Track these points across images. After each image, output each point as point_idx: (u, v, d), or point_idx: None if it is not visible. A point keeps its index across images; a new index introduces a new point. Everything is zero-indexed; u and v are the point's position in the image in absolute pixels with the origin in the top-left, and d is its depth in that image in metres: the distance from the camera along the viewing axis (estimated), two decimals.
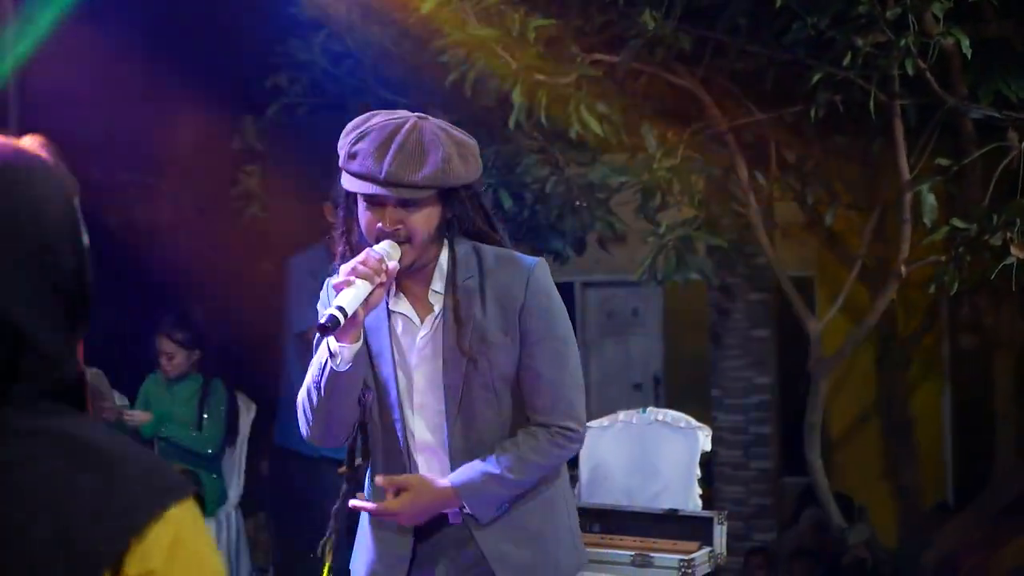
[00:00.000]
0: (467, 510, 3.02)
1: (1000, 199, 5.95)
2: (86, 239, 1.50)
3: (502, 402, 3.04)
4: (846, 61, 5.83)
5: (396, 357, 3.02)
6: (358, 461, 3.21)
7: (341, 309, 2.73)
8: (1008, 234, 5.68)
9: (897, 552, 7.97)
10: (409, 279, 3.02)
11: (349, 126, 2.96)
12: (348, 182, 2.92)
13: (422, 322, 3.02)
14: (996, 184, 6.08)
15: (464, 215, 3.01)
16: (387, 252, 2.86)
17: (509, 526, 3.07)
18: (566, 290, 11.03)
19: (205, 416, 6.37)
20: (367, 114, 3.00)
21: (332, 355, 2.85)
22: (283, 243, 6.49)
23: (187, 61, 7.44)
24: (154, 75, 8.11)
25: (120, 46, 7.65)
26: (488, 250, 3.06)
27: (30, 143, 1.54)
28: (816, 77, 5.98)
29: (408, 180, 2.83)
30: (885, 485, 8.76)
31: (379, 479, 3.01)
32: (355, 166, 2.88)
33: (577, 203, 6.78)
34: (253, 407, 6.51)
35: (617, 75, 6.57)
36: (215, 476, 6.45)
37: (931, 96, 6.09)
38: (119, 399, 6.77)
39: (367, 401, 3.05)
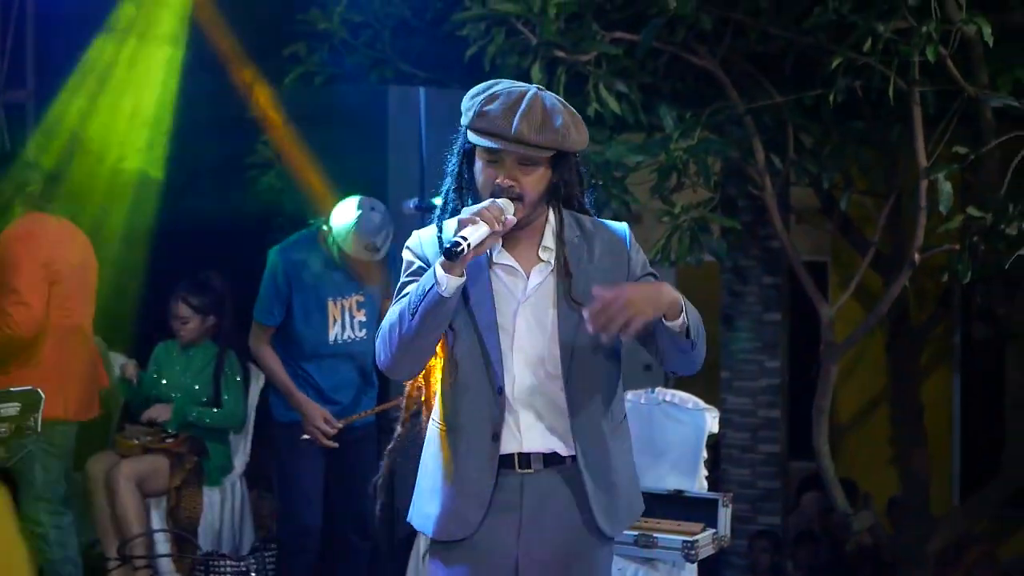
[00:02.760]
0: (679, 320, 3.17)
1: (1016, 189, 5.93)
2: None
3: (607, 347, 3.29)
4: (867, 46, 5.80)
5: (497, 304, 3.25)
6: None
7: (465, 239, 3.00)
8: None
9: (901, 540, 7.96)
10: (517, 236, 3.27)
11: (475, 90, 3.25)
12: (476, 138, 3.19)
13: (528, 274, 3.27)
14: (1013, 174, 6.05)
15: (570, 180, 3.30)
16: (505, 207, 3.13)
17: (606, 470, 3.30)
18: None
19: (223, 391, 6.35)
20: (490, 82, 3.27)
21: (438, 282, 3.07)
22: (298, 213, 6.48)
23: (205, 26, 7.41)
24: None
25: None
26: (583, 217, 3.36)
27: None
28: (836, 61, 5.95)
29: (534, 139, 3.13)
30: (892, 472, 8.74)
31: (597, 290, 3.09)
32: (485, 124, 3.16)
33: (593, 181, 6.76)
34: (262, 377, 6.45)
35: (637, 54, 6.53)
36: (221, 445, 6.45)
37: (951, 84, 6.05)
38: (129, 363, 6.77)
39: (451, 344, 3.28)
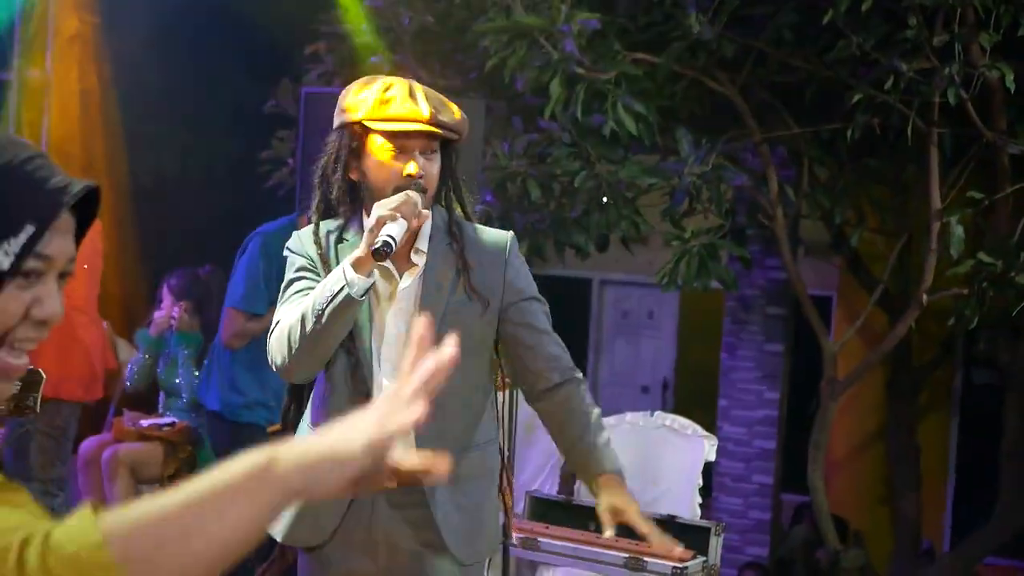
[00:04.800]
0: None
1: None
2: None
3: (468, 363, 2.97)
4: (888, 84, 5.80)
5: (370, 306, 3.08)
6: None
7: (392, 238, 2.82)
8: None
9: None
10: None
11: (354, 85, 3.09)
12: (386, 125, 2.99)
13: (401, 277, 3.08)
14: None
15: (457, 173, 3.14)
16: (417, 199, 2.95)
17: (457, 492, 3.12)
18: (583, 286, 11.06)
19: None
20: (368, 76, 3.11)
21: (348, 283, 2.88)
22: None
23: (230, 20, 7.43)
24: (197, 31, 8.11)
25: (164, 8, 7.67)
26: (465, 222, 3.18)
27: None
28: (856, 97, 5.94)
29: (448, 122, 2.99)
30: (883, 512, 8.73)
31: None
32: (394, 109, 2.98)
33: (604, 200, 6.75)
34: None
35: (657, 76, 6.53)
36: None
37: (970, 127, 6.05)
38: (127, 350, 6.78)
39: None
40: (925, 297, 6.28)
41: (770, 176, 6.80)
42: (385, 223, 2.86)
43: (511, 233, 3.21)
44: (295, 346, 2.98)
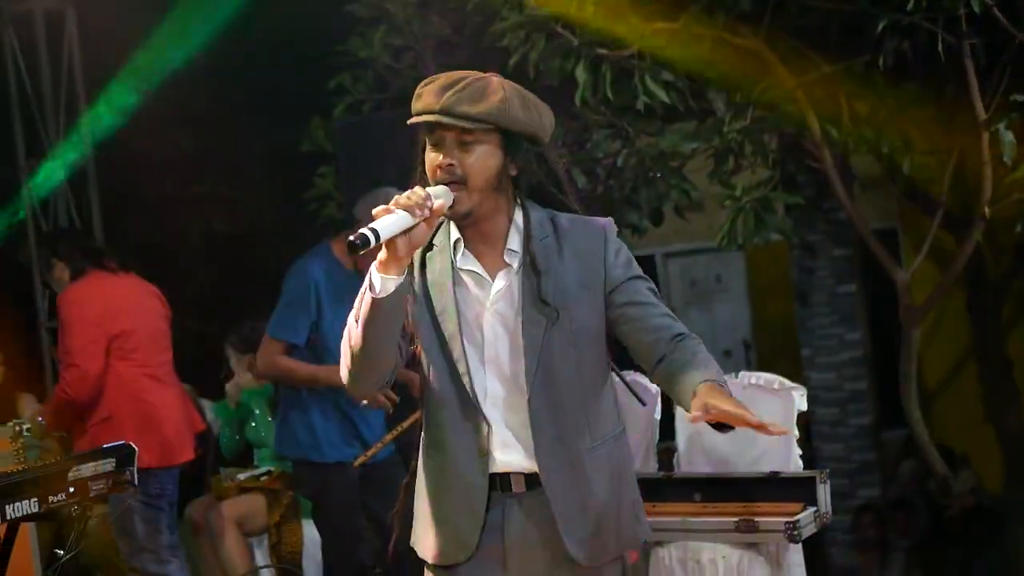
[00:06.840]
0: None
1: None
2: None
3: (583, 357, 3.07)
4: (910, 6, 5.74)
5: (462, 312, 3.04)
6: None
7: (373, 231, 2.73)
8: None
9: (1004, 498, 7.85)
10: (482, 241, 3.06)
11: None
12: (413, 121, 2.99)
13: (494, 278, 3.05)
14: None
15: (528, 169, 3.06)
16: (436, 193, 2.90)
17: (583, 492, 3.07)
18: (647, 262, 11.04)
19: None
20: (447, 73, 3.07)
21: (371, 286, 2.85)
22: None
23: (251, 69, 7.50)
24: (220, 87, 8.19)
25: (185, 74, 7.76)
26: (561, 215, 3.12)
27: None
28: (881, 25, 5.89)
29: (462, 111, 2.91)
30: (986, 432, 8.63)
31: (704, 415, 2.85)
32: (419, 104, 2.97)
33: (650, 174, 6.74)
34: None
35: (679, 41, 6.51)
36: None
37: (1000, 32, 5.98)
38: (209, 412, 6.88)
39: (414, 356, 3.07)
40: (987, 209, 6.21)
41: (810, 119, 6.75)
42: (379, 217, 2.78)
43: (609, 220, 3.16)
44: (348, 357, 2.96)
